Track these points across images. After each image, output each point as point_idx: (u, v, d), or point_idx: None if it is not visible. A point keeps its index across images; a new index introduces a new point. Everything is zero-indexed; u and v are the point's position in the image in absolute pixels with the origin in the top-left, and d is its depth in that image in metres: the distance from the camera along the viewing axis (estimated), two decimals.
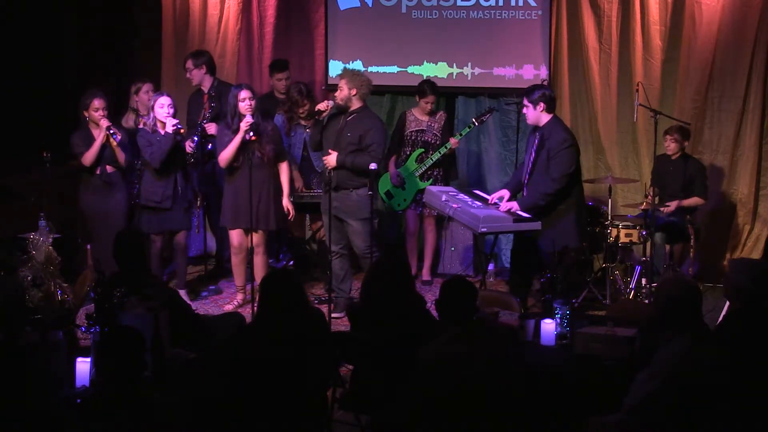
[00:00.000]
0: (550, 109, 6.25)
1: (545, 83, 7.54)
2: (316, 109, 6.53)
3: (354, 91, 6.42)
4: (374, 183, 6.26)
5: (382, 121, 7.12)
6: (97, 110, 6.63)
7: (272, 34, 8.40)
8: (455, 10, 8.03)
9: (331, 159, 6.39)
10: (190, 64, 7.43)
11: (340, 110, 6.47)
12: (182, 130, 6.65)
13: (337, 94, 6.47)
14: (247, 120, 6.45)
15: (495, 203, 6.34)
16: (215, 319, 5.98)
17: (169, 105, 6.64)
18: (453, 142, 7.35)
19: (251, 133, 6.42)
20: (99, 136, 6.64)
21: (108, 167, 6.74)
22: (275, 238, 7.83)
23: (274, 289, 4.07)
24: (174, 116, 6.65)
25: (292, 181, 7.02)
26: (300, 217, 7.52)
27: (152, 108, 6.66)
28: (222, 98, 7.26)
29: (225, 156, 6.55)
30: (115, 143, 6.64)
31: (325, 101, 6.54)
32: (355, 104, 6.46)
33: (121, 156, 6.69)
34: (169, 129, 6.57)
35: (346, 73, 6.55)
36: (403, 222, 7.95)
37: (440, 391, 3.70)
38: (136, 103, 7.33)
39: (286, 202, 6.73)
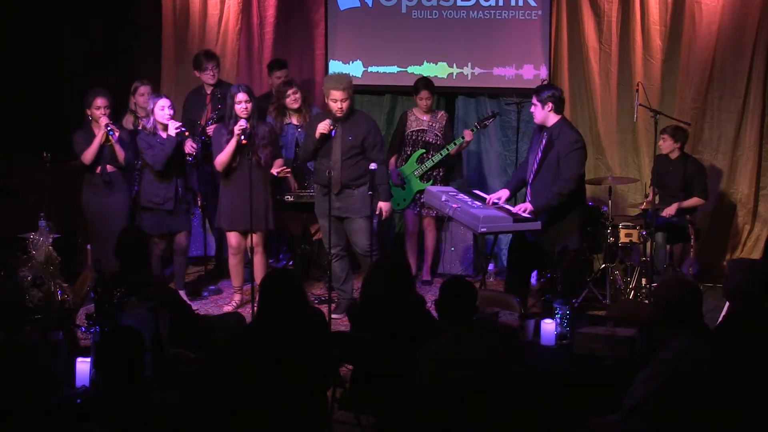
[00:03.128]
0: (558, 109, 6.21)
1: (545, 83, 7.54)
2: (318, 134, 6.37)
3: (353, 99, 6.44)
4: (374, 183, 6.26)
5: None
6: (98, 108, 6.64)
7: (272, 34, 8.40)
8: (455, 10, 8.03)
9: (385, 207, 6.53)
10: (214, 64, 7.44)
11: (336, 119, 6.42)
12: (186, 133, 6.65)
13: (341, 106, 6.31)
14: (240, 124, 6.44)
15: (494, 203, 6.33)
16: (215, 319, 5.98)
17: (169, 107, 6.64)
18: (467, 134, 7.31)
19: (243, 137, 6.42)
20: (99, 135, 6.65)
21: (108, 166, 6.74)
22: (275, 238, 7.83)
23: (274, 289, 4.07)
24: (173, 117, 6.66)
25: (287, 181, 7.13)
26: (299, 216, 7.51)
27: (152, 111, 6.65)
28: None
29: (221, 160, 6.56)
30: (113, 140, 6.64)
31: (326, 122, 6.37)
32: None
33: (120, 154, 6.69)
34: (172, 132, 6.57)
35: (345, 82, 6.36)
36: (402, 222, 7.96)
37: (440, 391, 3.70)
38: (134, 104, 7.32)
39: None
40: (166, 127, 6.64)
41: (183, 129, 6.60)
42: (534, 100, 6.21)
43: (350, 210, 6.45)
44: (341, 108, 6.34)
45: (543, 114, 6.18)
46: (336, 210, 6.39)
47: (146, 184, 6.73)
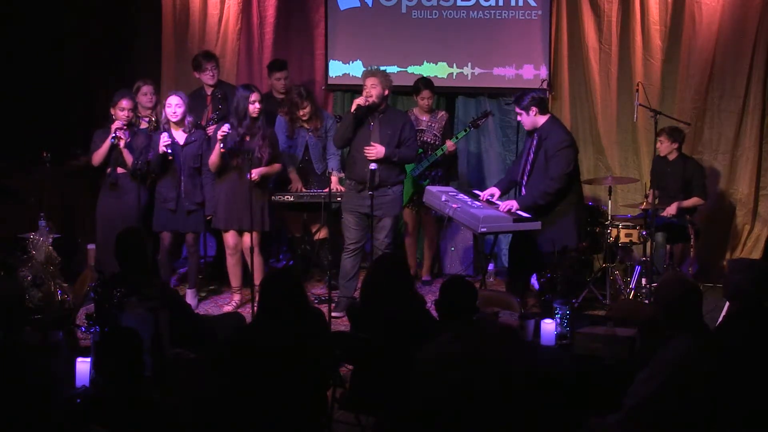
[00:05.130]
0: (543, 110, 6.25)
1: (545, 83, 7.55)
2: (355, 105, 6.47)
3: (387, 91, 6.50)
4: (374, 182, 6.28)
5: None
6: (123, 110, 6.66)
7: (272, 34, 8.41)
8: (455, 10, 8.03)
9: (380, 150, 6.42)
10: (213, 64, 7.45)
11: (368, 109, 6.48)
12: (170, 158, 6.63)
13: (371, 91, 6.43)
14: (224, 129, 6.46)
15: (492, 202, 6.33)
16: (215, 319, 5.98)
17: (177, 105, 6.68)
18: (449, 144, 7.34)
19: (222, 145, 6.43)
20: (109, 137, 6.65)
21: (118, 169, 6.75)
22: (275, 238, 7.83)
23: (275, 289, 4.07)
24: (184, 115, 6.69)
25: (287, 181, 7.19)
26: (299, 216, 7.52)
27: (164, 107, 6.73)
28: (229, 99, 7.27)
29: (212, 161, 6.62)
30: (121, 146, 6.63)
31: (363, 96, 6.49)
32: (383, 103, 6.53)
33: (128, 159, 6.69)
34: (160, 149, 6.57)
35: (377, 72, 6.55)
36: (402, 222, 7.95)
37: (440, 391, 3.70)
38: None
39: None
40: (175, 126, 6.72)
41: (168, 150, 6.57)
42: (517, 109, 6.28)
43: (381, 208, 6.49)
44: (369, 94, 6.43)
45: (531, 119, 6.24)
46: (366, 207, 6.44)
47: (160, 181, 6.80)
